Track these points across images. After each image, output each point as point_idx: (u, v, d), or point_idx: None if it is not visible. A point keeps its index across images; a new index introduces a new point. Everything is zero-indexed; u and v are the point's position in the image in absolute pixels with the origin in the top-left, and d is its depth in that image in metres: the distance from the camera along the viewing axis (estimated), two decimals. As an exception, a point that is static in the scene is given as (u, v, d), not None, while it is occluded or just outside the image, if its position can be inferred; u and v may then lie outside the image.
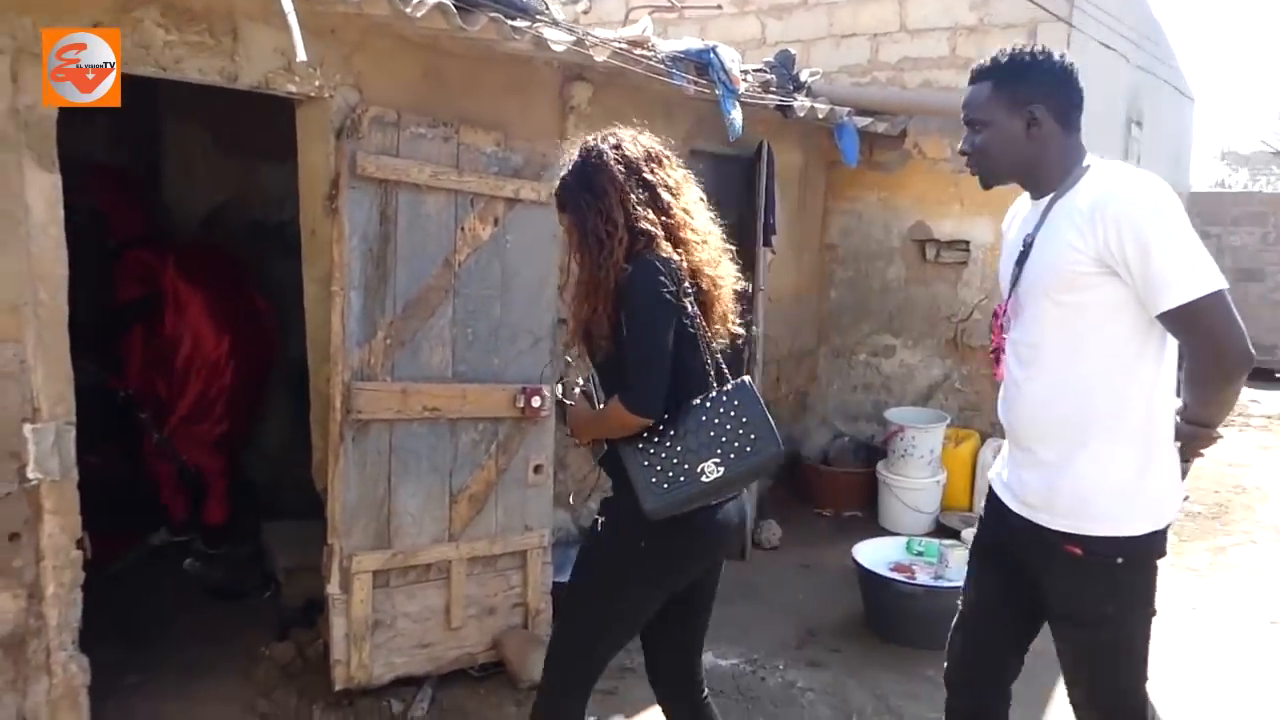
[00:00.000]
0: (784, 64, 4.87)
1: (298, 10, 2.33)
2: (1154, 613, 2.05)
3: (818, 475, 5.76)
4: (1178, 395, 2.00)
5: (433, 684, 3.27)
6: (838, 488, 5.67)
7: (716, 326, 2.08)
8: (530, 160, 3.38)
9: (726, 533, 2.15)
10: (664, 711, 2.43)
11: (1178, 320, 1.83)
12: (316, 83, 2.90)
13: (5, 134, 2.30)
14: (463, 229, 3.20)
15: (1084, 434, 1.96)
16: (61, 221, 2.42)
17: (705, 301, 2.05)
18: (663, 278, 1.95)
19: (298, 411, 3.58)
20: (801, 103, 4.79)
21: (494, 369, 3.32)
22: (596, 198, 2.02)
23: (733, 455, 1.96)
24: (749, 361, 4.77)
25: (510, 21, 3.05)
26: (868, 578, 3.91)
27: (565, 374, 2.28)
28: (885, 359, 6.14)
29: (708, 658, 3.64)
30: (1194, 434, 1.95)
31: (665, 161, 2.11)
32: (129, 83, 2.89)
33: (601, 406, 2.09)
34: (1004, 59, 2.02)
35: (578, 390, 2.19)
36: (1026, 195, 2.12)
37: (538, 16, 3.20)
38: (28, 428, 2.39)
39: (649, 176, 2.04)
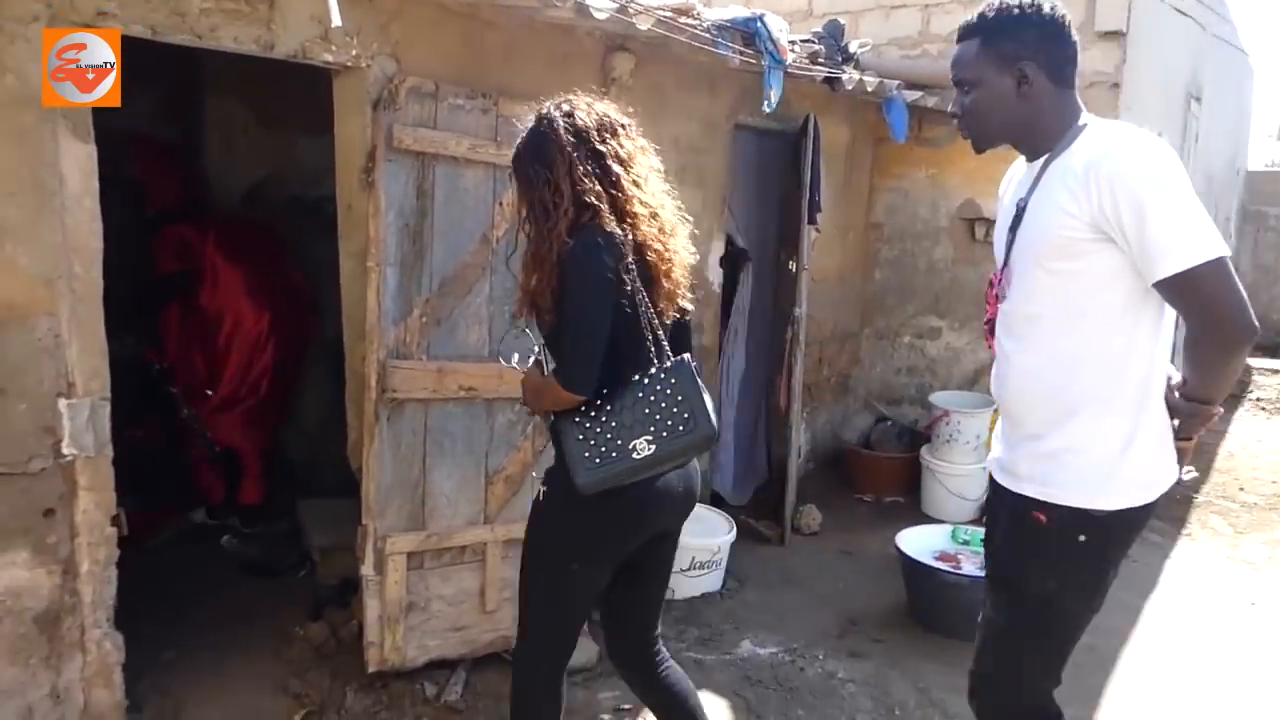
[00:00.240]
0: (833, 34, 4.72)
1: (334, -24, 2.25)
2: (1096, 608, 1.96)
3: (859, 459, 5.65)
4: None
5: (467, 667, 3.23)
6: (880, 472, 5.56)
7: (663, 303, 2.05)
8: (571, 134, 3.29)
9: (668, 502, 2.13)
10: (625, 680, 2.45)
11: (1175, 289, 1.73)
12: (353, 52, 2.83)
13: (39, 103, 2.25)
14: (501, 204, 3.12)
15: (1073, 407, 1.88)
16: (96, 193, 2.38)
17: (651, 277, 2.02)
18: (603, 253, 1.93)
19: (335, 388, 3.54)
20: (850, 75, 4.64)
21: (532, 348, 3.25)
22: (545, 167, 2.00)
23: (665, 434, 1.95)
24: (792, 342, 4.66)
25: (552, -11, 2.94)
26: (911, 566, 3.81)
27: (504, 339, 2.30)
28: (930, 341, 6.00)
29: (746, 646, 3.60)
30: (1193, 410, 1.84)
31: (620, 131, 2.07)
32: (172, 55, 2.87)
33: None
34: (990, 13, 1.91)
35: (530, 359, 2.15)
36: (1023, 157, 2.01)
37: (580, -17, 3.09)
38: (63, 403, 2.36)
39: (600, 147, 2.01)
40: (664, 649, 2.39)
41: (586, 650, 3.34)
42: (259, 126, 4.76)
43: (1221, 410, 1.88)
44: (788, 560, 4.49)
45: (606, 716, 3.09)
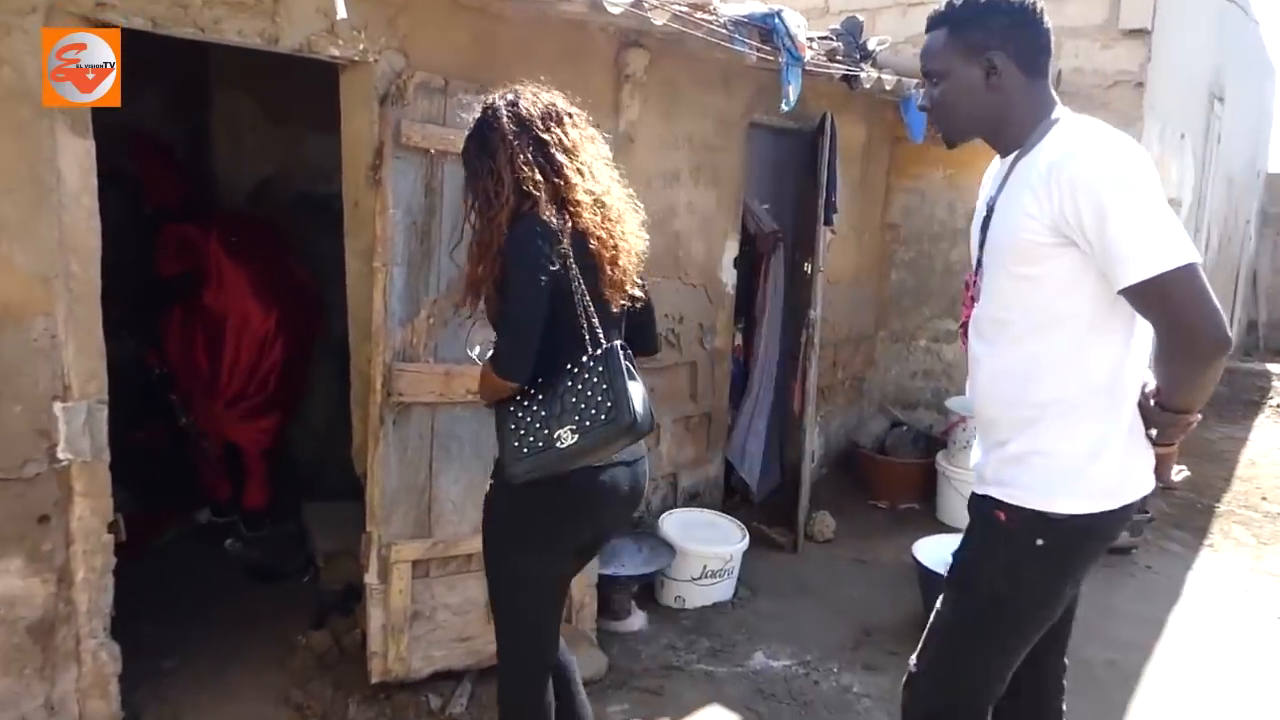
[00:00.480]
0: (851, 31, 4.63)
1: (340, -33, 2.18)
2: (1044, 620, 1.88)
3: (873, 465, 5.56)
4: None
5: (472, 679, 3.14)
6: (894, 478, 5.46)
7: (609, 291, 2.05)
8: (583, 132, 3.21)
9: (614, 499, 2.11)
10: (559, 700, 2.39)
11: (1141, 297, 1.66)
12: (360, 46, 2.75)
13: (37, 96, 2.17)
14: (511, 203, 3.03)
15: (1040, 412, 1.81)
16: (95, 190, 2.31)
17: (595, 265, 2.02)
18: (538, 240, 1.94)
19: (342, 388, 3.47)
20: (868, 73, 4.55)
21: (542, 351, 3.17)
22: (488, 156, 2.02)
23: (588, 423, 1.93)
24: (806, 345, 4.57)
25: (565, -18, 2.86)
26: (929, 578, 3.71)
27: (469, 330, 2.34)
28: (947, 345, 5.90)
29: (759, 658, 3.51)
30: (1169, 420, 1.77)
31: (566, 120, 2.07)
32: (178, 50, 2.80)
33: None
34: (958, 1, 1.82)
35: (491, 350, 2.10)
36: None
37: (594, -23, 3.01)
38: (58, 406, 2.29)
39: (543, 135, 2.02)
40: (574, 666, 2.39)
41: (596, 661, 3.27)
42: (267, 123, 4.69)
43: (1199, 417, 1.80)
44: (801, 568, 4.40)
45: (616, 729, 3.01)
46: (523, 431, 1.98)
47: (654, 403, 4.07)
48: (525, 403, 2.00)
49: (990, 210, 1.87)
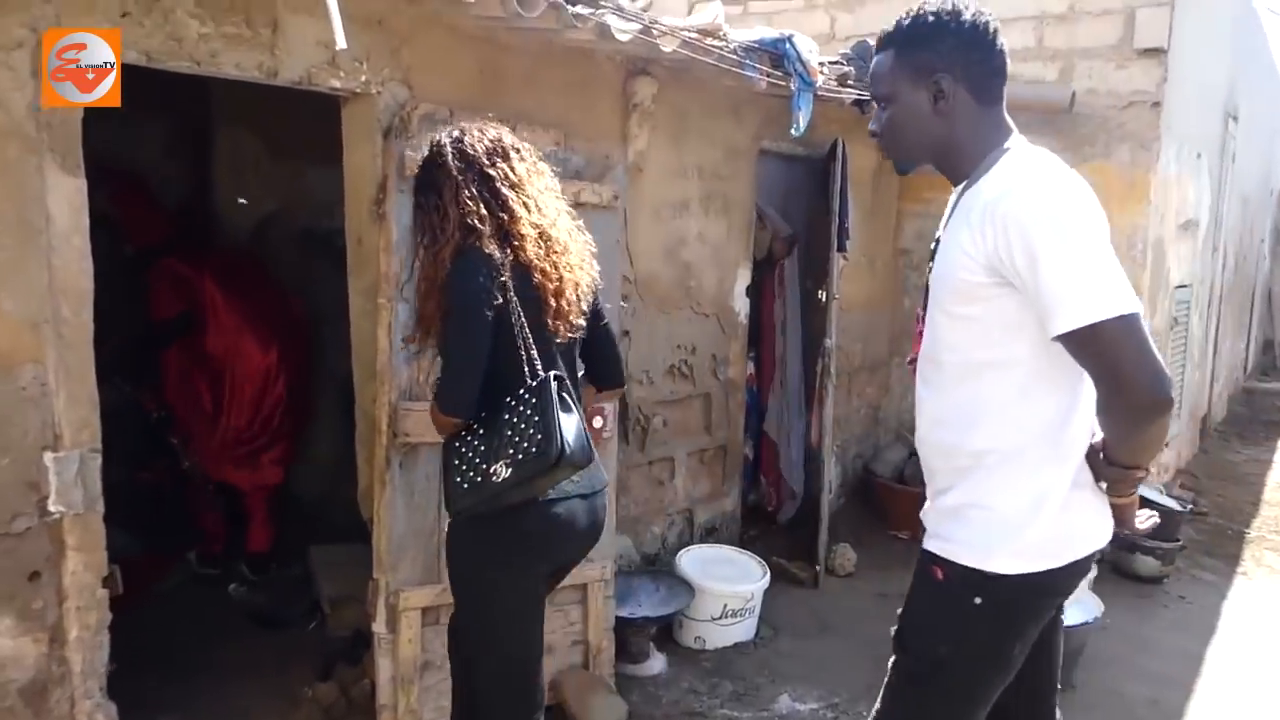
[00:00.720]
0: (862, 55, 4.55)
1: (340, -3, 2.10)
2: (997, 683, 1.74)
3: (891, 494, 5.42)
4: None
5: (486, 729, 3.02)
6: (914, 508, 5.24)
7: (555, 323, 2.07)
8: (592, 161, 3.13)
9: (571, 533, 2.12)
10: None
11: (1074, 347, 1.54)
12: (362, 78, 2.67)
13: (25, 134, 2.09)
14: (520, 236, 2.95)
15: (977, 460, 1.70)
16: (86, 230, 2.21)
17: (539, 298, 2.04)
18: (478, 274, 1.96)
19: (347, 425, 3.37)
20: (879, 98, 4.47)
21: (553, 387, 3.07)
22: (434, 193, 2.06)
23: (521, 456, 1.93)
24: (823, 375, 4.46)
25: (571, 9, 2.79)
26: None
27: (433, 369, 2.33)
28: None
29: (784, 701, 3.37)
30: (1117, 475, 1.66)
31: (512, 155, 2.11)
32: (180, 87, 2.73)
33: None
34: (905, 22, 1.73)
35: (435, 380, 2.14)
36: None
37: (601, 3, 2.93)
38: (49, 456, 2.19)
39: (489, 170, 2.06)
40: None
41: (615, 709, 3.14)
42: (269, 158, 4.64)
43: (1148, 472, 1.68)
44: (823, 604, 4.26)
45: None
46: (464, 466, 1.99)
47: (668, 436, 4.03)
48: (468, 437, 2.01)
49: (936, 246, 1.77)
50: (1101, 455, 1.66)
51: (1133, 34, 4.82)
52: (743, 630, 3.80)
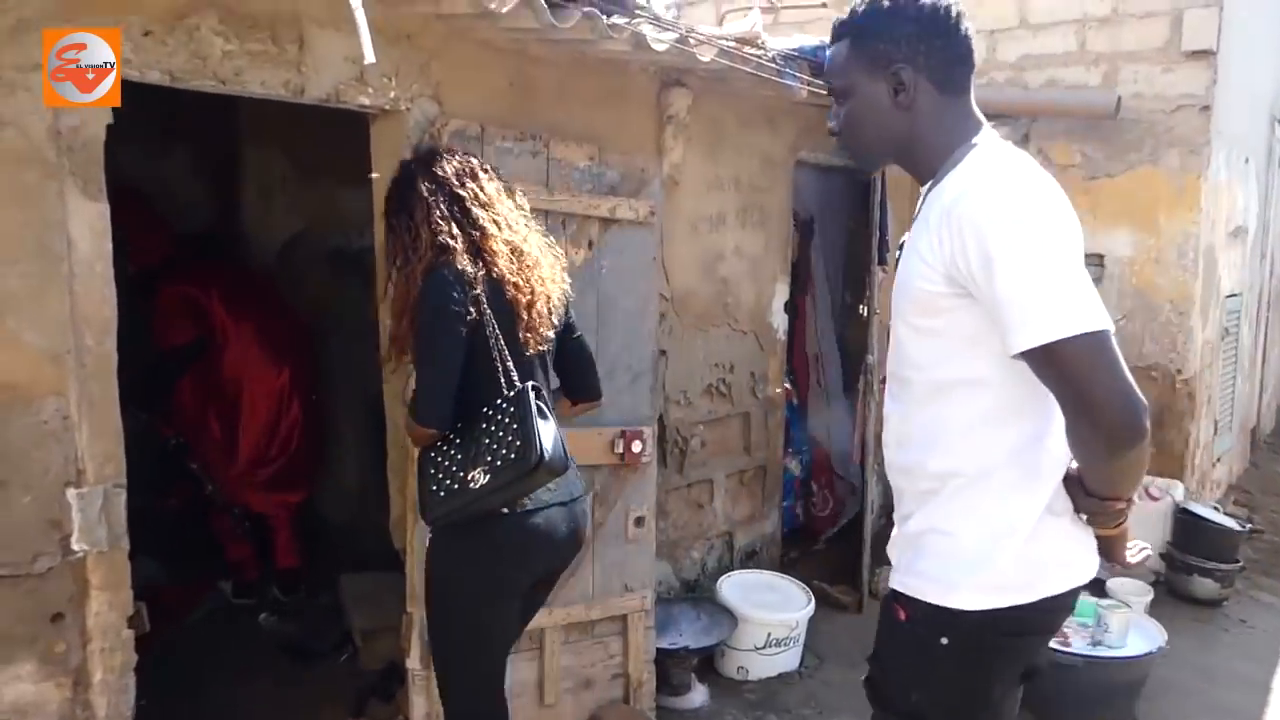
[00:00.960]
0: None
1: (369, 13, 2.00)
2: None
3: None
4: None
5: (525, 769, 2.91)
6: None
7: (526, 335, 2.12)
8: (627, 176, 3.02)
9: (549, 543, 2.14)
10: None
11: (1036, 366, 1.38)
12: (391, 94, 2.58)
13: (45, 158, 2.01)
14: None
15: (937, 484, 1.55)
16: (110, 257, 2.13)
17: (512, 312, 2.09)
18: (450, 288, 2.00)
19: (375, 450, 3.27)
20: (918, 106, 4.34)
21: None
22: (406, 214, 2.10)
23: (499, 463, 1.95)
24: (865, 390, 4.33)
25: (606, 19, 2.69)
26: (1014, 643, 3.41)
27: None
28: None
29: (834, 736, 3.23)
30: (1095, 506, 1.50)
31: (480, 175, 2.17)
32: (205, 106, 2.65)
33: None
34: (860, 8, 1.60)
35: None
36: None
37: (636, 12, 2.83)
38: (72, 492, 2.10)
39: (459, 191, 2.11)
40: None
41: (656, 746, 3.01)
42: (297, 177, 4.57)
43: (1130, 503, 1.51)
44: (868, 630, 4.01)
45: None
46: (440, 475, 2.01)
47: (707, 457, 3.91)
48: (444, 448, 2.03)
49: (901, 251, 1.62)
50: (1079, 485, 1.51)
51: (1180, 36, 4.66)
52: (787, 660, 3.66)
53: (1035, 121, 5.20)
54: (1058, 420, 1.46)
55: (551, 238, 2.29)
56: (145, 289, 3.65)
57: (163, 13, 2.16)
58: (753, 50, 3.26)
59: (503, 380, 2.05)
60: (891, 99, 1.57)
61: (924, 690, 1.55)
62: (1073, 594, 1.56)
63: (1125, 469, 1.41)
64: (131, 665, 2.26)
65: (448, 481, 2.00)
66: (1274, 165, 6.49)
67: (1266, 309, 7.07)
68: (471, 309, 2.02)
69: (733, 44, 3.17)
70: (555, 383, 2.34)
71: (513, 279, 2.09)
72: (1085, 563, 1.58)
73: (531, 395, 1.99)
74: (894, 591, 1.61)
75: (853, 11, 1.62)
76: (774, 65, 3.36)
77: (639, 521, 3.08)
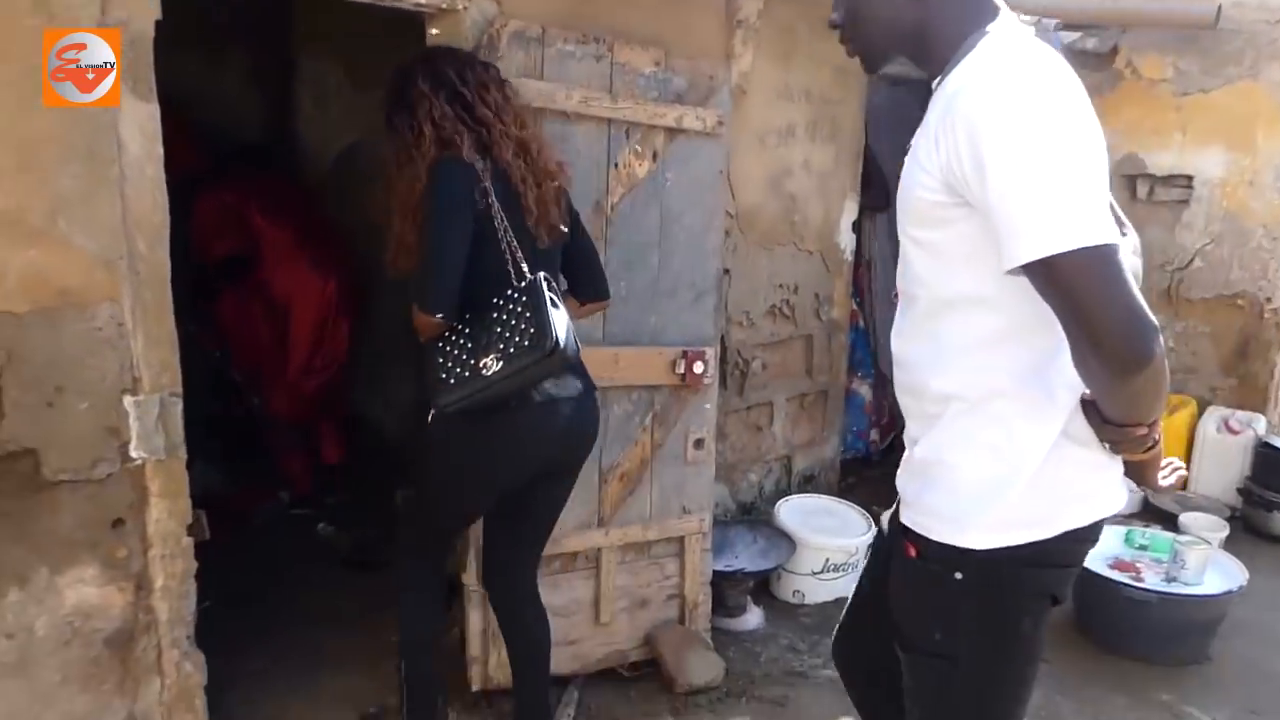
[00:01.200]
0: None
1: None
2: (1020, 656, 1.46)
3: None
4: None
5: (579, 685, 2.90)
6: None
7: (538, 229, 2.12)
8: (694, 83, 2.87)
9: (546, 437, 2.16)
10: (490, 603, 2.54)
11: (1035, 283, 1.23)
12: (449, -9, 2.45)
13: (93, 56, 1.94)
14: (616, 165, 2.73)
15: (943, 410, 1.42)
16: (161, 160, 2.06)
17: (520, 204, 2.09)
18: (456, 178, 2.02)
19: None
20: (1003, 13, 4.08)
21: (650, 329, 2.87)
22: (408, 112, 2.09)
23: (512, 350, 1.95)
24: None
25: (676, -89, 2.51)
26: (1083, 577, 3.28)
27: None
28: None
29: (892, 665, 3.17)
30: (1114, 434, 1.35)
31: (482, 70, 2.17)
32: (262, 15, 2.56)
33: None
34: None
35: None
36: None
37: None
38: (129, 400, 2.07)
39: (461, 88, 2.10)
40: (536, 592, 2.46)
41: (712, 667, 2.99)
42: (352, 87, 4.47)
43: (1152, 428, 1.35)
44: (928, 559, 4.02)
45: (737, 747, 2.72)
46: (450, 364, 2.01)
47: (768, 379, 3.81)
48: (454, 337, 2.03)
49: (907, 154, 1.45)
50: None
51: None
52: (844, 585, 3.59)
53: (1125, 33, 4.89)
54: (1063, 345, 1.31)
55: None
56: (184, 199, 3.64)
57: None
58: (830, -53, 3.05)
59: (512, 271, 2.05)
60: None
61: (946, 629, 1.44)
62: (1097, 526, 1.44)
63: (1137, 394, 1.26)
64: (192, 572, 2.26)
65: (458, 370, 2.00)
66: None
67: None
68: (479, 199, 2.03)
69: (809, -60, 2.96)
70: (564, 285, 2.31)
71: (520, 172, 2.09)
72: (1110, 494, 1.45)
73: (544, 284, 1.98)
74: (903, 527, 1.49)
75: None
76: (852, -36, 3.14)
77: (698, 444, 3.01)
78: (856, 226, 4.22)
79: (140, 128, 2.02)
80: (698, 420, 2.99)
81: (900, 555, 1.50)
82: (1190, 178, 4.88)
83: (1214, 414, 4.66)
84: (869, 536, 3.65)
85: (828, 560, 3.53)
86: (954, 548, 1.40)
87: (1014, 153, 1.22)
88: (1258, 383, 4.79)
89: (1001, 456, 1.37)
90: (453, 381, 1.99)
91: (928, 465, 1.45)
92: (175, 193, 2.08)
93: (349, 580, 3.54)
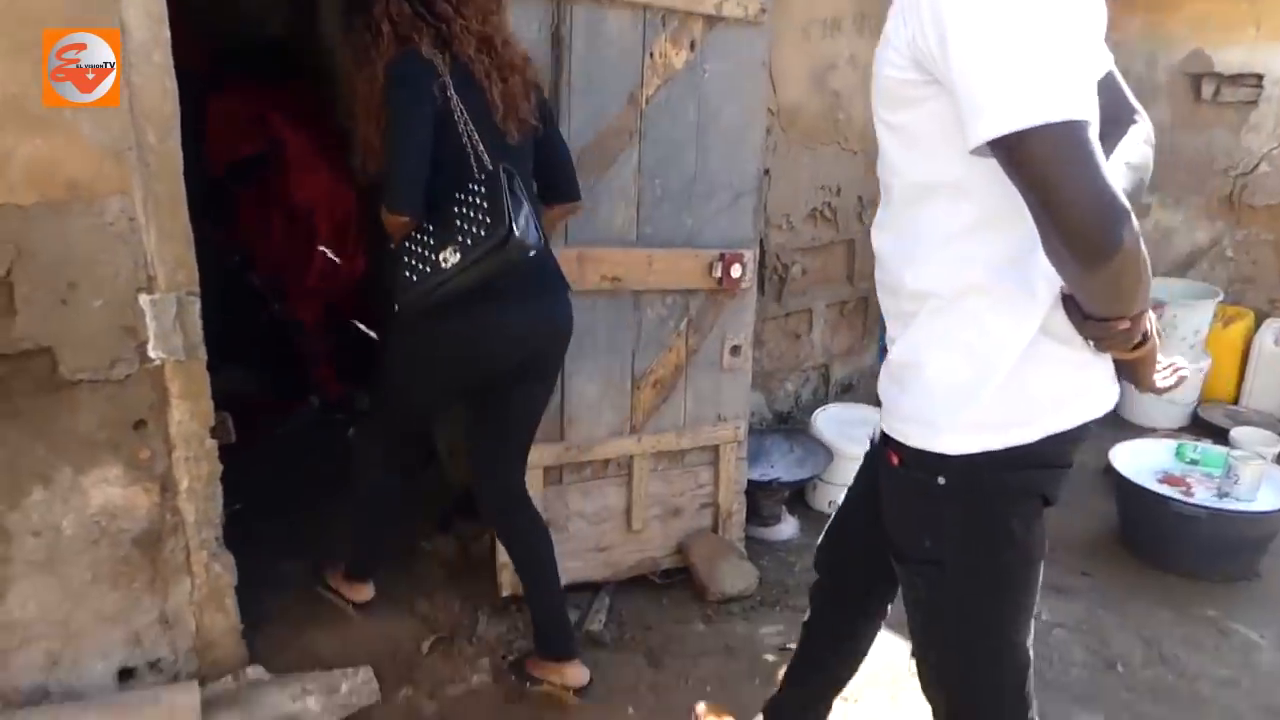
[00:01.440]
0: None
1: None
2: (1015, 559, 1.39)
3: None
4: None
5: (610, 592, 2.88)
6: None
7: (503, 123, 2.09)
8: (735, -35, 2.68)
9: (503, 336, 2.14)
10: (493, 525, 2.56)
11: (1000, 163, 1.14)
12: None
13: (93, -70, 1.82)
14: (651, 55, 2.57)
15: (919, 307, 1.36)
16: (168, 45, 1.95)
17: (485, 99, 2.06)
18: (418, 75, 1.99)
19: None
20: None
21: (686, 230, 2.74)
22: (364, 11, 2.05)
23: (469, 241, 1.93)
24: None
25: None
26: (1130, 491, 3.21)
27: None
28: (1136, 219, 5.16)
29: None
30: (1095, 330, 1.26)
31: None
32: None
33: None
34: None
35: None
36: None
37: None
38: (144, 299, 2.01)
39: None
40: (526, 498, 2.47)
41: (746, 576, 2.95)
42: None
43: (1135, 321, 1.24)
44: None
45: (770, 656, 2.68)
46: (413, 261, 2.00)
47: (807, 285, 3.69)
48: (419, 235, 2.02)
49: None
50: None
51: None
52: (882, 497, 3.53)
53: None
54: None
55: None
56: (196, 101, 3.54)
57: None
58: None
59: (475, 166, 2.03)
60: None
61: (934, 536, 1.41)
62: (1085, 428, 1.36)
63: (1109, 284, 1.16)
64: (217, 474, 2.23)
65: (420, 265, 1.99)
66: None
67: None
68: (438, 95, 1.99)
69: None
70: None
71: (484, 66, 2.06)
72: (1097, 394, 1.37)
73: (504, 177, 1.94)
74: (884, 435, 1.45)
75: None
76: None
77: (735, 350, 2.91)
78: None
79: (145, 10, 1.90)
80: (734, 326, 2.89)
81: (885, 465, 1.46)
82: (1260, 77, 4.58)
83: (1271, 326, 4.48)
84: (908, 447, 3.56)
85: (865, 471, 3.45)
86: (932, 453, 1.36)
87: (976, 22, 1.12)
88: (1319, 291, 4.59)
89: (975, 356, 1.31)
90: (415, 279, 1.99)
91: (904, 368, 1.40)
92: (185, 91, 1.98)
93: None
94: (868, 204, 3.90)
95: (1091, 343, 1.30)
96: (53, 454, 2.02)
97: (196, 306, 2.07)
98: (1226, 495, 3.11)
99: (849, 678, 1.96)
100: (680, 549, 2.99)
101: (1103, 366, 1.37)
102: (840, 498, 3.08)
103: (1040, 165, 1.09)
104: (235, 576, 2.34)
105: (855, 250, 3.94)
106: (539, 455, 2.64)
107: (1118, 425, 4.48)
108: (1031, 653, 1.48)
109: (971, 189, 1.26)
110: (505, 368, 2.23)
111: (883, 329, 1.54)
